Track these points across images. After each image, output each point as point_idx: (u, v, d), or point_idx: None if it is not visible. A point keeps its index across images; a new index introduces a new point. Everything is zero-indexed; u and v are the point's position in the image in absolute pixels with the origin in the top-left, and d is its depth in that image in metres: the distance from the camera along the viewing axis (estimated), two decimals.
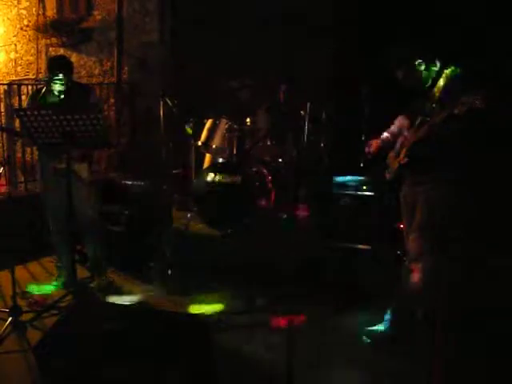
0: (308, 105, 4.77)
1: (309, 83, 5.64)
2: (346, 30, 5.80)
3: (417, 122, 3.15)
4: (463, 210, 3.18)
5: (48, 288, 4.28)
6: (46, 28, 7.80)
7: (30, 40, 8.14)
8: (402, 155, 3.26)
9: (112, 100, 7.28)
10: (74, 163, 3.96)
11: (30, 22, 8.11)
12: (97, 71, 7.60)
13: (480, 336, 3.10)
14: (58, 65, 4.06)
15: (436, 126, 2.96)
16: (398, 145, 3.39)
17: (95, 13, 7.56)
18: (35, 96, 4.17)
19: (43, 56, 7.96)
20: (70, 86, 4.05)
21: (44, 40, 7.92)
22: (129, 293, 4.26)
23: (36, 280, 4.52)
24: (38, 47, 8.03)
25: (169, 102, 4.94)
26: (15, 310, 3.59)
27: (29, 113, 3.40)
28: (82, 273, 4.27)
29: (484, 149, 3.25)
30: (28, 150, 6.47)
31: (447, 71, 3.08)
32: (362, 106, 5.04)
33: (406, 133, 3.34)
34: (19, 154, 6.48)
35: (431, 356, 2.86)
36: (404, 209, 3.40)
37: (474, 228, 3.64)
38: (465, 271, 3.57)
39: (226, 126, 5.36)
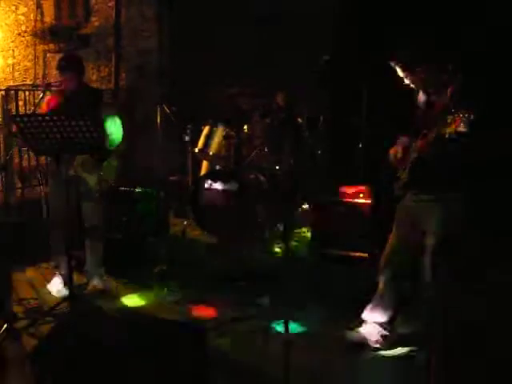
0: (305, 111, 4.79)
1: (306, 89, 5.64)
2: (345, 32, 5.79)
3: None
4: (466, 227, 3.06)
5: None
6: (44, 34, 7.82)
7: (27, 46, 8.15)
8: (403, 174, 3.07)
9: None
10: (83, 171, 3.95)
11: (27, 27, 8.12)
12: (94, 77, 7.60)
13: (480, 361, 3.04)
14: (67, 64, 4.00)
15: (429, 144, 2.79)
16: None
17: (93, 19, 7.58)
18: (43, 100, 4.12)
19: (41, 62, 7.97)
20: (80, 88, 4.01)
21: (42, 46, 7.94)
22: (126, 299, 4.24)
23: (33, 286, 4.50)
24: (35, 53, 8.04)
25: (166, 108, 4.95)
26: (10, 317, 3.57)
27: (25, 119, 3.37)
28: (78, 279, 4.25)
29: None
30: (25, 156, 6.45)
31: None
32: (361, 111, 5.05)
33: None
34: (16, 160, 6.47)
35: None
36: (401, 222, 3.24)
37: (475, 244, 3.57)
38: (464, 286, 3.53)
39: (224, 133, 5.36)
